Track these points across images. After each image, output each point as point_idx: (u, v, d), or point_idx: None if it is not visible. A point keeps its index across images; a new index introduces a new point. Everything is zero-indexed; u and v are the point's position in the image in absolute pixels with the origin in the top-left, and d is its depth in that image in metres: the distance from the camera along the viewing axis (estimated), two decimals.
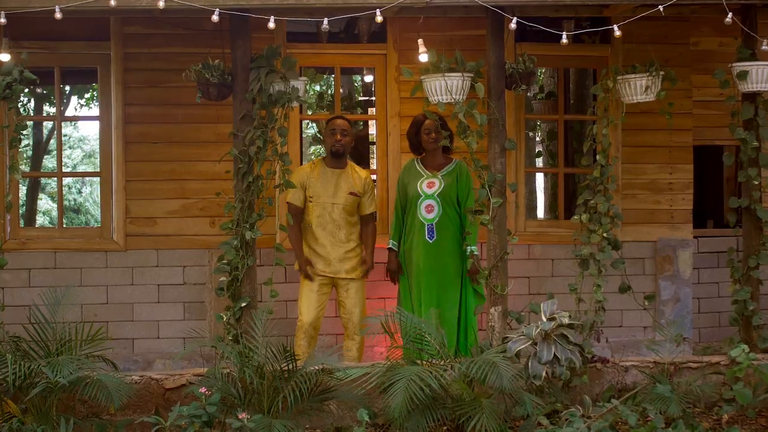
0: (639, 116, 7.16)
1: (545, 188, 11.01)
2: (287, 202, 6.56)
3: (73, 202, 21.34)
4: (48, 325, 5.70)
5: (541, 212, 12.13)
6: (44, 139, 15.75)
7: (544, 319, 5.42)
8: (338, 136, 6.56)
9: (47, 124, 15.30)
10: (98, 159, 7.13)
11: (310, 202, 6.61)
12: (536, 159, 10.95)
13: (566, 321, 5.34)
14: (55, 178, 7.77)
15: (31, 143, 15.16)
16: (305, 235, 6.65)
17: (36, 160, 15.62)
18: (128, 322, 7.13)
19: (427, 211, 6.63)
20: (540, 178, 12.09)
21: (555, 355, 5.26)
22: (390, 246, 6.75)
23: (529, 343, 5.34)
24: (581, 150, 9.32)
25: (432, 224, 6.62)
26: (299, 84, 5.99)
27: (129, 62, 7.12)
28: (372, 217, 6.82)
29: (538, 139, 11.17)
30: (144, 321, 7.14)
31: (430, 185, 6.66)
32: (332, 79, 10.68)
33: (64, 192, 8.20)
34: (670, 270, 7.64)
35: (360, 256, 6.71)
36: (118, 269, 7.12)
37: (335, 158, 6.62)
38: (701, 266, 7.88)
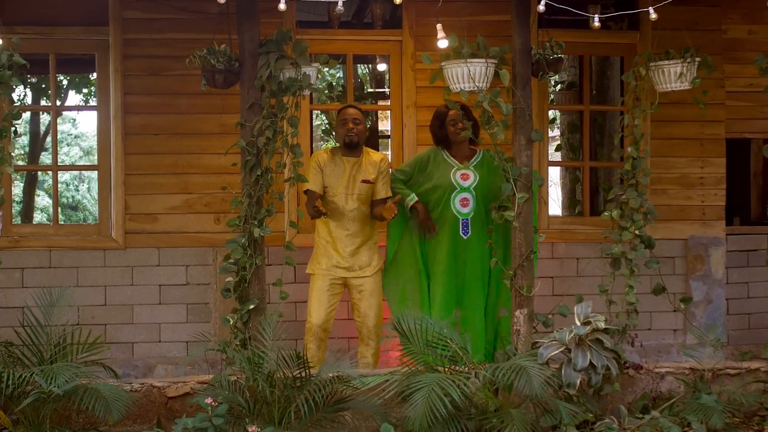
0: (669, 107, 6.91)
1: (563, 183, 10.74)
2: (306, 191, 6.25)
3: (71, 200, 21.15)
4: (42, 329, 5.43)
5: (556, 208, 11.88)
6: (42, 134, 15.52)
7: (578, 323, 5.14)
8: (350, 125, 6.33)
9: (45, 119, 15.11)
10: (96, 154, 6.81)
11: (324, 192, 6.37)
12: (556, 152, 10.65)
13: (602, 325, 5.06)
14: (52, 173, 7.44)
15: (28, 137, 14.97)
16: (317, 229, 6.40)
17: (33, 156, 15.40)
18: (128, 324, 6.94)
19: (462, 205, 6.35)
20: (553, 172, 11.85)
21: (591, 362, 4.97)
22: (413, 200, 6.34)
23: (562, 348, 5.06)
24: (603, 143, 9.19)
25: (467, 219, 6.34)
26: (311, 70, 5.74)
27: (129, 49, 6.91)
28: (384, 203, 6.43)
29: (556, 131, 10.88)
30: (145, 324, 6.96)
31: (464, 177, 6.38)
32: (340, 68, 10.38)
33: (61, 189, 7.94)
34: (701, 270, 7.45)
35: (375, 251, 6.42)
36: (117, 269, 6.93)
37: (349, 149, 6.38)
38: (730, 265, 7.64)
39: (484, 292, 6.40)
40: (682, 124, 7.37)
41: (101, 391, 5.01)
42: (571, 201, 9.99)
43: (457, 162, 6.41)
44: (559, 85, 9.76)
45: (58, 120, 13.91)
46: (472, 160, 6.43)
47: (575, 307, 5.24)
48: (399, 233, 6.45)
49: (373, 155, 6.52)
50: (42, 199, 19.95)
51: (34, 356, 5.36)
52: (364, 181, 6.37)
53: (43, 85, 13.24)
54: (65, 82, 14.53)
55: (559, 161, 10.10)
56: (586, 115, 7.68)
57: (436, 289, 6.37)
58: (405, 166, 6.54)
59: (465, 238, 6.34)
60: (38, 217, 19.17)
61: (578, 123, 10.15)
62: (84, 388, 5.03)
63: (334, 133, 6.64)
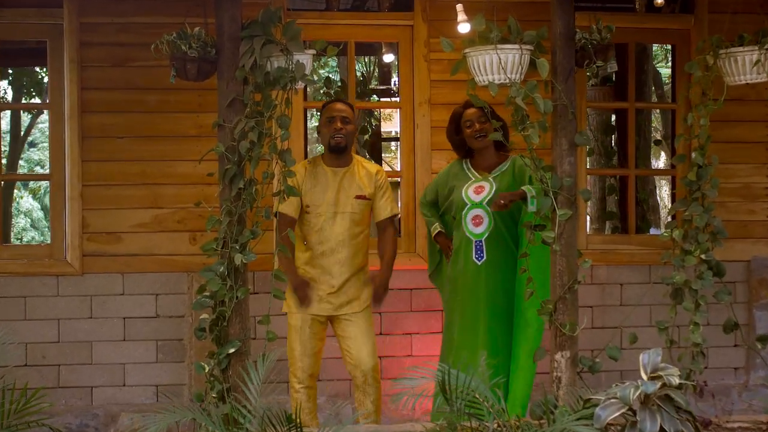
0: (728, 104, 6.23)
1: (592, 194, 10.13)
2: (277, 213, 5.49)
3: (30, 217, 20.78)
4: None
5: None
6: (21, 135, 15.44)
7: (644, 376, 4.37)
8: (338, 124, 5.67)
9: (26, 119, 14.92)
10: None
11: (307, 212, 5.69)
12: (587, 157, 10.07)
13: (676, 381, 4.28)
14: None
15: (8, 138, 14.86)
16: (296, 254, 5.74)
17: (13, 160, 15.18)
18: (86, 365, 6.52)
19: (475, 224, 5.66)
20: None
21: (661, 426, 4.21)
22: (435, 230, 5.81)
23: (625, 409, 4.26)
24: (639, 146, 8.65)
25: (480, 241, 5.64)
26: (305, 59, 5.08)
27: (87, 35, 6.49)
28: (392, 221, 5.83)
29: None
30: (106, 364, 6.54)
31: (477, 190, 5.70)
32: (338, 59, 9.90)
33: (18, 201, 7.30)
34: (767, 297, 6.96)
35: (365, 283, 5.74)
36: (72, 298, 6.51)
37: (335, 154, 5.71)
38: None
39: (509, 332, 5.70)
40: (745, 124, 6.99)
41: None
42: (603, 214, 9.47)
43: (476, 173, 5.75)
44: (592, 80, 9.14)
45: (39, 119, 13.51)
46: (497, 169, 5.75)
47: (641, 357, 4.47)
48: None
49: (368, 166, 5.86)
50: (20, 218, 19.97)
51: None
52: (359, 197, 5.67)
53: None
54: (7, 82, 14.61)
55: (595, 168, 9.63)
56: (631, 113, 7.15)
57: (452, 328, 5.74)
58: (428, 186, 6.03)
59: (479, 263, 5.65)
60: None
61: (612, 123, 9.63)
62: None
63: (318, 134, 5.92)
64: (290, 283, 5.66)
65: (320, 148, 15.40)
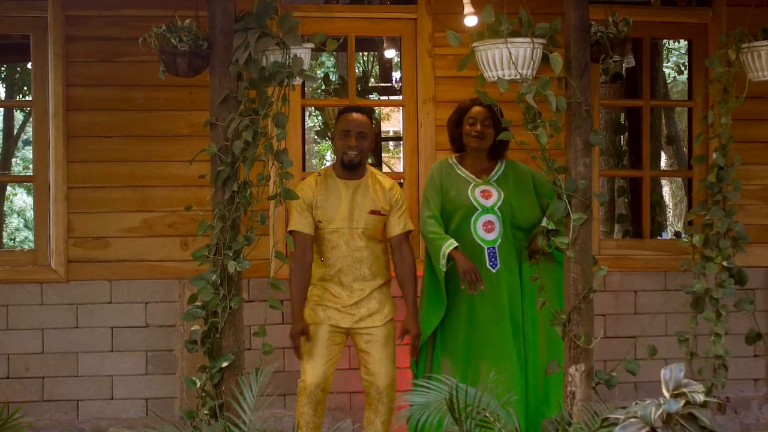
0: (747, 102, 6.09)
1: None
2: (290, 232, 5.43)
3: (23, 217, 20.82)
4: None
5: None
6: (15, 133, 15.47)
7: (666, 394, 4.12)
8: (353, 141, 5.42)
9: (20, 117, 14.94)
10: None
11: (319, 228, 5.46)
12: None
13: (701, 398, 4.02)
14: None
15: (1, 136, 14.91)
16: (313, 276, 5.51)
17: (5, 159, 15.19)
18: (72, 377, 6.40)
19: (486, 230, 5.46)
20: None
21: None
22: (450, 246, 5.38)
23: (645, 429, 4.03)
24: (655, 146, 8.49)
25: (494, 248, 5.44)
26: (303, 53, 4.93)
27: (73, 28, 6.38)
28: (406, 238, 5.57)
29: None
30: (93, 376, 6.43)
31: (485, 195, 5.49)
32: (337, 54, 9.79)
33: (11, 199, 7.16)
34: None
35: (387, 296, 5.53)
36: (57, 307, 6.39)
37: (348, 170, 5.48)
38: None
39: (519, 343, 5.53)
40: (765, 123, 6.83)
41: None
42: (611, 217, 9.31)
43: (473, 176, 5.56)
44: (602, 77, 9.00)
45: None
46: (493, 174, 5.57)
47: (662, 372, 4.22)
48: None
49: (382, 180, 5.60)
50: (13, 219, 20.09)
51: None
52: (373, 212, 5.45)
53: None
54: None
55: (607, 169, 9.54)
56: (646, 111, 6.95)
57: (455, 341, 5.51)
58: (427, 199, 5.59)
59: (494, 271, 5.46)
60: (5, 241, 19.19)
61: (622, 122, 9.50)
62: None
63: (331, 142, 5.68)
64: (292, 326, 5.44)
65: (317, 148, 15.23)
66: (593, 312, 5.07)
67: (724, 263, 5.28)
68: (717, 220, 5.29)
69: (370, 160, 10.90)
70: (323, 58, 13.61)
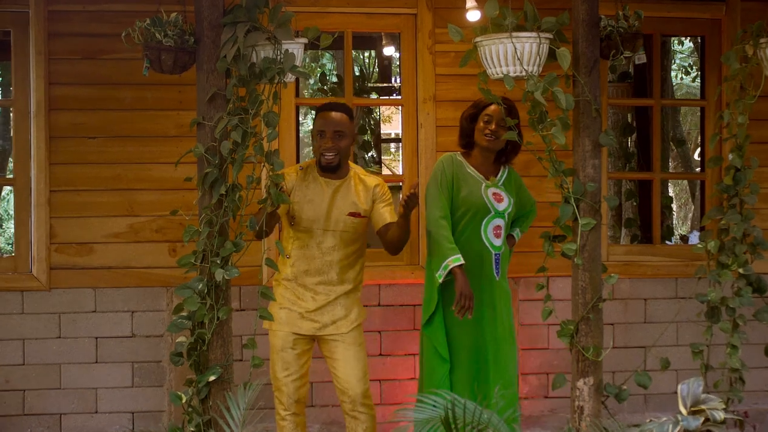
0: (760, 101, 5.85)
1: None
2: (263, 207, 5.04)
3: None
4: None
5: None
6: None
7: (683, 410, 4.02)
8: (329, 142, 5.18)
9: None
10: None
11: (291, 224, 5.25)
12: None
13: (721, 416, 3.90)
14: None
15: None
16: (279, 273, 5.29)
17: (2, 162, 15.16)
18: (54, 390, 6.31)
19: (496, 235, 5.27)
20: None
21: None
22: (456, 261, 5.11)
23: None
24: (664, 147, 8.34)
25: (499, 254, 5.28)
26: (295, 48, 4.76)
27: (56, 24, 6.29)
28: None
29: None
30: (76, 389, 6.33)
31: (497, 198, 5.30)
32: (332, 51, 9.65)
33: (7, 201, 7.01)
34: None
35: (355, 302, 5.29)
36: (39, 316, 6.30)
37: (327, 171, 5.26)
38: None
39: (515, 353, 5.36)
40: None
41: None
42: (617, 221, 9.15)
43: (482, 176, 5.35)
44: (609, 76, 8.84)
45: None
46: (498, 177, 5.38)
47: (680, 388, 4.14)
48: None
49: (366, 179, 5.37)
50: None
51: None
52: (352, 215, 5.21)
53: None
54: None
55: (616, 172, 9.44)
56: (656, 111, 6.83)
57: (459, 351, 5.30)
58: (432, 199, 5.31)
59: (498, 279, 5.28)
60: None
61: (630, 122, 9.35)
62: None
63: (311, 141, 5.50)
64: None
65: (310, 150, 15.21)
66: (602, 323, 4.91)
67: (741, 270, 5.10)
68: (733, 225, 5.11)
69: (370, 160, 10.75)
70: (324, 60, 13.46)
